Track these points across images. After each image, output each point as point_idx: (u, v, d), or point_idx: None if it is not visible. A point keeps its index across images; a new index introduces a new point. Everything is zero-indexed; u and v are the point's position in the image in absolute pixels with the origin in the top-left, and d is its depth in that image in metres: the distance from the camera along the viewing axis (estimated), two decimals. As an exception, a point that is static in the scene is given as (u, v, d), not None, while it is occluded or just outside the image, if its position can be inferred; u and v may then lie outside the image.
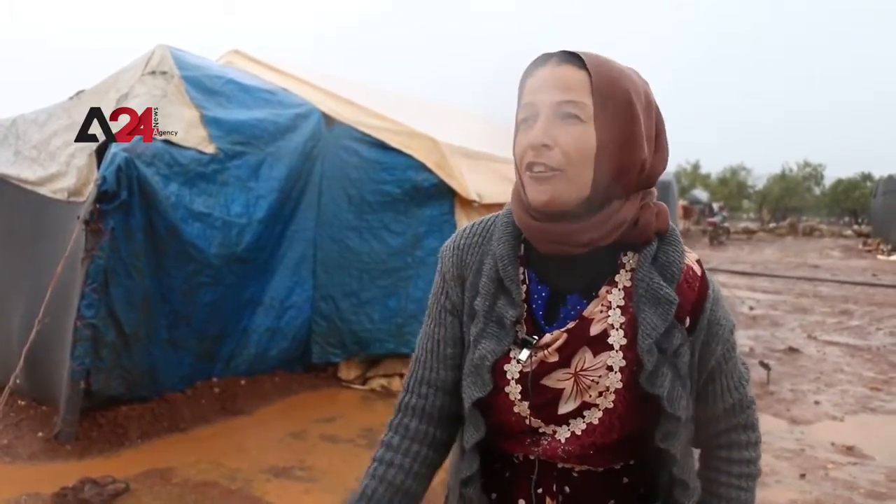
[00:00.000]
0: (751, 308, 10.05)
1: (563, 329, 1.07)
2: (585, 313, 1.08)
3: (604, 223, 1.03)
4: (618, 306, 1.07)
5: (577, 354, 1.06)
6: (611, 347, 1.06)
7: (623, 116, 1.03)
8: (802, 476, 4.08)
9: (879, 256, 20.79)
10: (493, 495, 1.18)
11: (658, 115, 1.09)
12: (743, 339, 7.73)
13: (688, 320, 1.08)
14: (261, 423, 4.79)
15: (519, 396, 1.08)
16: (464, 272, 1.16)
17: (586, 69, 1.03)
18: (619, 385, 1.05)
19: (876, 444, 4.62)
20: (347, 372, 5.70)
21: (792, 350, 7.35)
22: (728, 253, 21.08)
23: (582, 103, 1.01)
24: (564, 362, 1.06)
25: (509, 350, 1.08)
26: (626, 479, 1.14)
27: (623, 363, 1.05)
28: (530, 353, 1.07)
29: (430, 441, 1.19)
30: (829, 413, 5.32)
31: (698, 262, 1.13)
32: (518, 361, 1.07)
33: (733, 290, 10.97)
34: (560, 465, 1.12)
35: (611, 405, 1.06)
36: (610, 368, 1.05)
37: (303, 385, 5.52)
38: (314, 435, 4.54)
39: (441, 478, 1.27)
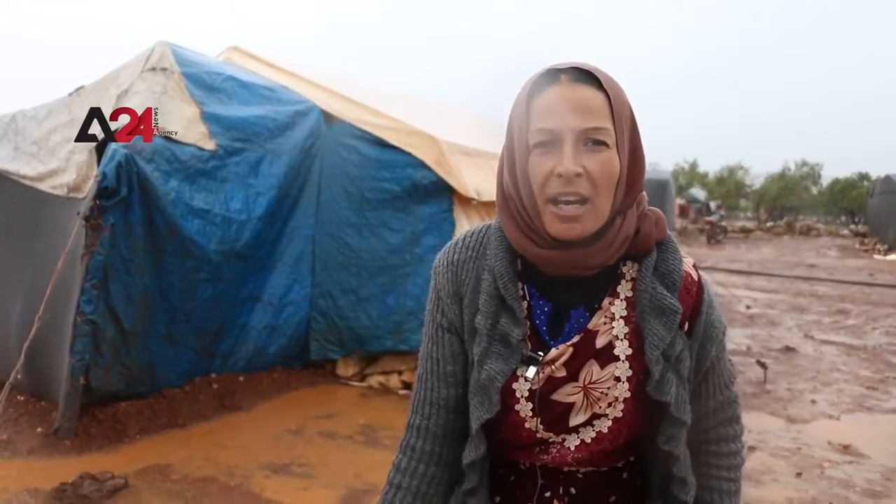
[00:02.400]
0: (748, 307, 10.07)
1: (568, 343, 1.07)
2: (590, 326, 1.07)
3: (612, 243, 1.03)
4: (621, 317, 1.08)
5: (585, 367, 1.06)
6: (617, 358, 1.06)
7: (632, 134, 1.04)
8: (799, 475, 4.10)
9: (876, 256, 20.85)
10: (497, 499, 1.18)
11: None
12: (740, 337, 7.75)
13: (686, 325, 1.10)
14: (259, 420, 4.80)
15: (530, 413, 1.08)
16: (460, 289, 1.13)
17: (602, 89, 1.00)
18: (628, 395, 1.06)
19: (872, 443, 4.65)
20: (345, 369, 5.71)
21: (789, 349, 7.37)
22: (725, 252, 21.12)
23: (607, 129, 0.99)
24: (573, 376, 1.06)
25: (516, 368, 1.07)
26: (625, 475, 1.16)
27: (630, 373, 1.06)
28: (537, 370, 1.06)
29: (438, 460, 1.17)
30: (826, 412, 5.35)
31: (694, 266, 1.14)
32: (526, 379, 1.06)
33: (730, 289, 11.00)
34: (566, 469, 1.13)
35: (620, 414, 1.07)
36: (618, 379, 1.06)
37: (301, 382, 5.54)
38: (312, 431, 4.55)
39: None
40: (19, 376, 3.90)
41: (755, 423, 4.92)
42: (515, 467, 1.16)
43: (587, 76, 1.01)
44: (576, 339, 1.07)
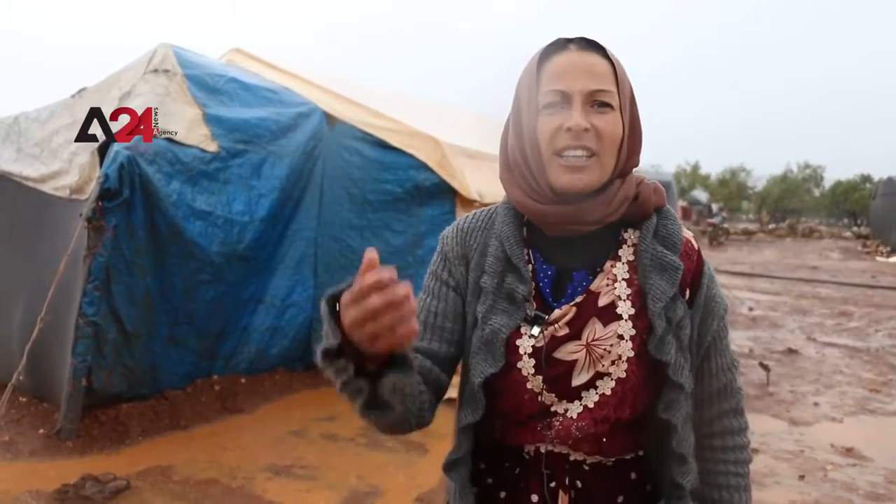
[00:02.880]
0: (750, 309, 10.06)
1: (571, 303, 1.09)
2: (592, 287, 1.11)
3: (611, 200, 1.09)
4: (623, 279, 1.11)
5: (588, 326, 1.08)
6: (620, 317, 1.09)
7: (632, 103, 1.12)
8: (802, 477, 4.09)
9: (878, 258, 20.83)
10: (502, 494, 1.16)
11: None
12: (742, 340, 7.74)
13: (687, 293, 1.12)
14: (261, 422, 4.80)
15: (532, 370, 1.08)
16: (468, 252, 1.17)
17: (607, 58, 1.09)
18: (631, 353, 1.07)
19: (875, 446, 4.64)
20: (348, 371, 5.70)
21: (791, 351, 7.36)
22: (727, 254, 21.09)
23: (612, 92, 1.07)
24: (575, 335, 1.08)
25: (520, 326, 1.09)
26: (633, 475, 1.15)
27: (633, 332, 1.08)
28: (542, 329, 1.08)
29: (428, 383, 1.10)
30: (829, 414, 5.34)
31: (694, 238, 1.19)
32: (531, 336, 1.08)
33: (733, 291, 10.97)
34: (572, 458, 1.12)
35: (623, 374, 1.07)
36: (621, 337, 1.08)
37: (303, 383, 5.53)
38: (314, 433, 4.55)
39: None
40: (21, 378, 3.90)
41: (758, 426, 4.90)
42: (520, 458, 1.14)
43: (594, 45, 1.09)
44: (579, 299, 1.10)
